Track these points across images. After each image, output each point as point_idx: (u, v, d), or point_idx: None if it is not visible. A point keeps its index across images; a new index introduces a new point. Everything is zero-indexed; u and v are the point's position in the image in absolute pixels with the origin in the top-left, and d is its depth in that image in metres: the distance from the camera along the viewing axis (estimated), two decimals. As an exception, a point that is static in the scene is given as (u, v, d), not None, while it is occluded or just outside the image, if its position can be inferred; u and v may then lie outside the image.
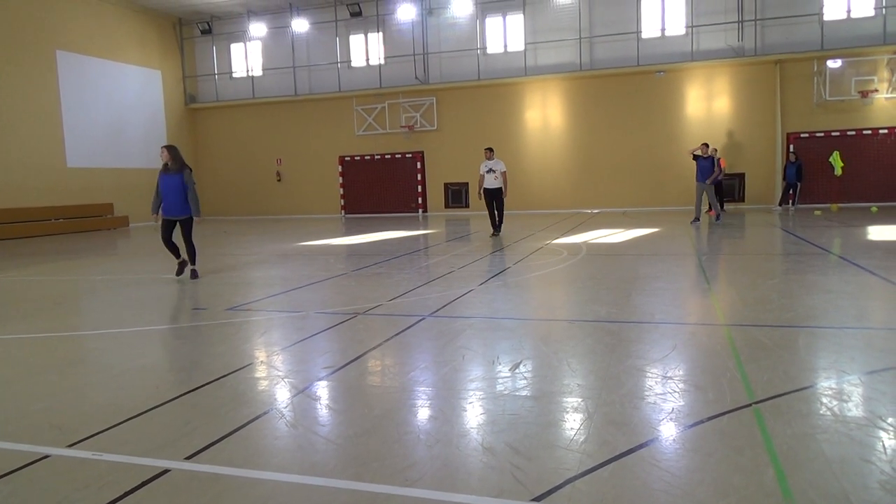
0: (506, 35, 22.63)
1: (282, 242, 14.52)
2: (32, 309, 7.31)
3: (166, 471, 2.86)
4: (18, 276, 10.52)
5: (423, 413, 3.59)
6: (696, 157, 15.21)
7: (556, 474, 2.72)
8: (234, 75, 26.50)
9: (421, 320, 5.78)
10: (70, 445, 3.18)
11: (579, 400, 3.65)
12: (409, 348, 5.02)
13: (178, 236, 9.01)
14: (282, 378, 4.31)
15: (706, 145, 15.40)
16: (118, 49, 23.66)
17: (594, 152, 22.00)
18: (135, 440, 3.26)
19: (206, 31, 25.74)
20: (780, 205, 19.67)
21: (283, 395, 3.96)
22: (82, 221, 21.22)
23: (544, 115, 22.63)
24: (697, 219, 15.04)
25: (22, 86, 20.06)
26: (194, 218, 8.92)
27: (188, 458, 2.98)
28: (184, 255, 9.11)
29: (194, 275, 9.01)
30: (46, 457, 3.07)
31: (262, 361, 4.73)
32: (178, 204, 8.82)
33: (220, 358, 4.87)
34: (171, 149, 8.81)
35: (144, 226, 23.27)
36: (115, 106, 23.44)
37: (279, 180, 26.12)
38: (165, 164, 8.78)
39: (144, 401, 3.85)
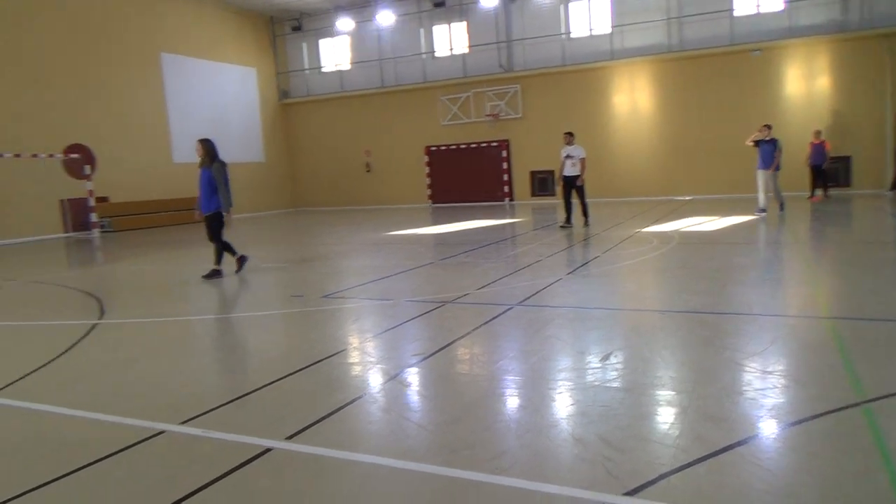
0: (591, 18, 22.09)
1: (371, 232, 14.88)
2: (150, 294, 7.85)
3: (269, 449, 3.02)
4: (134, 264, 11.31)
5: (512, 402, 3.61)
6: (757, 143, 13.83)
7: (650, 468, 2.68)
8: (324, 70, 27.26)
9: (508, 310, 5.79)
10: (182, 423, 3.41)
11: (673, 393, 3.56)
12: (497, 337, 5.05)
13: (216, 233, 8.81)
14: (374, 364, 4.44)
15: (768, 127, 13.89)
16: (217, 49, 24.87)
17: (685, 137, 21.15)
18: (240, 420, 3.46)
19: (297, 28, 26.61)
20: (891, 189, 18.26)
21: (375, 380, 4.09)
22: (185, 214, 22.50)
23: (632, 99, 21.96)
24: (764, 209, 13.53)
25: (131, 88, 21.46)
26: (223, 213, 8.65)
27: (289, 438, 3.14)
28: (238, 251, 8.93)
29: (215, 274, 8.55)
30: (162, 432, 3.31)
31: (355, 347, 4.89)
32: (204, 199, 8.63)
33: (316, 344, 5.07)
34: (204, 142, 8.58)
35: (241, 217, 24.42)
36: (214, 103, 24.66)
37: (368, 171, 26.71)
38: (202, 159, 8.61)
39: (247, 382, 4.07)
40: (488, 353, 4.67)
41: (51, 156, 18.54)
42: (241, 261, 8.91)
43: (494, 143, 24.20)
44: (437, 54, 24.84)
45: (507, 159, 24.07)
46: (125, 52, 21.34)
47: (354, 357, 4.65)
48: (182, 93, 23.33)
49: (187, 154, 23.24)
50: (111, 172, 20.48)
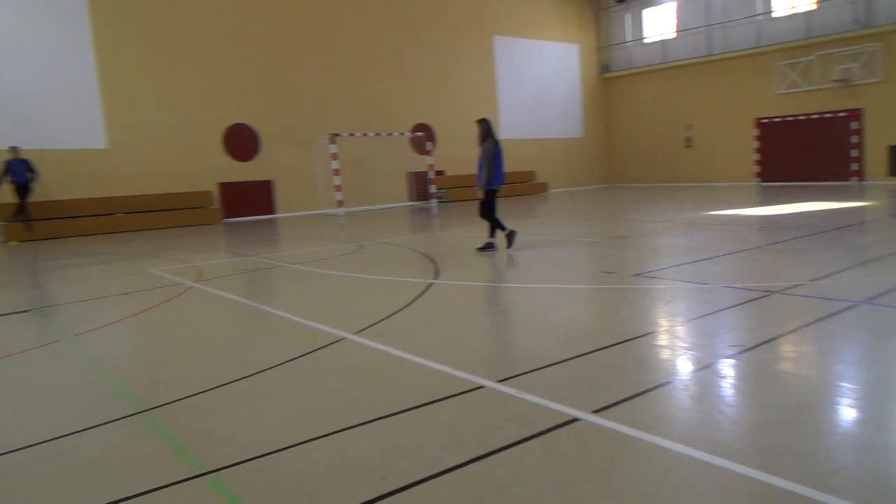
0: None
1: (689, 211, 14.12)
2: (475, 260, 8.66)
3: (575, 419, 3.14)
4: (467, 232, 12.53)
5: (848, 413, 3.16)
6: None
7: None
8: (646, 41, 26.38)
9: (852, 307, 5.03)
10: (499, 381, 3.73)
11: None
12: (835, 337, 4.44)
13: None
14: (686, 350, 4.27)
15: None
16: (542, 28, 25.81)
17: None
18: (550, 386, 3.64)
19: (621, 0, 26.14)
20: None
21: (686, 367, 3.94)
22: (514, 187, 24.03)
23: None
24: None
25: (466, 70, 23.52)
26: (493, 190, 9.07)
27: (595, 411, 3.22)
28: (508, 226, 9.41)
29: (488, 247, 9.17)
30: (481, 387, 3.67)
31: (665, 330, 4.76)
32: (479, 177, 9.17)
33: (625, 322, 5.06)
34: (480, 122, 9.07)
35: (564, 191, 25.21)
36: (537, 81, 25.71)
37: (688, 146, 25.30)
38: (479, 138, 9.11)
39: (558, 351, 4.26)
40: (821, 353, 4.14)
41: (401, 134, 21.39)
42: (511, 236, 9.27)
43: (842, 114, 20.91)
44: (774, 14, 22.18)
45: (859, 132, 20.61)
46: (463, 39, 23.45)
47: (664, 340, 4.53)
48: (509, 73, 24.81)
49: (513, 129, 24.79)
50: (447, 148, 22.87)
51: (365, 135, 20.06)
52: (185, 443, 3.14)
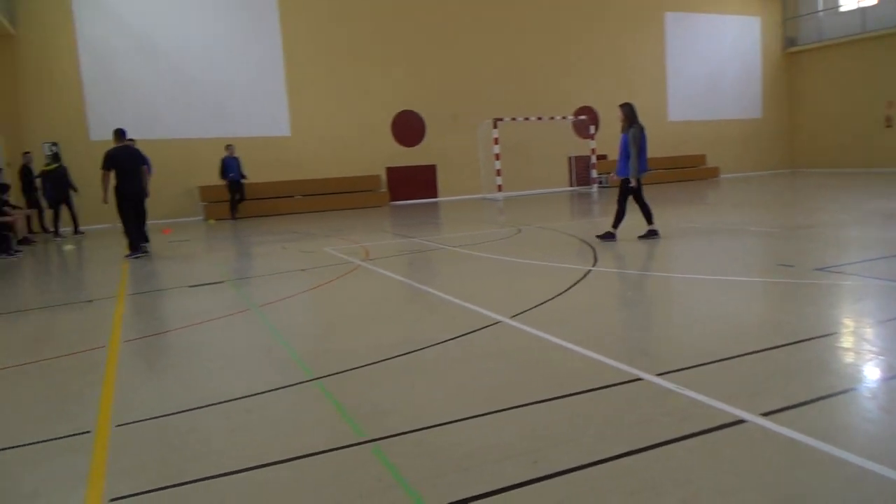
0: None
1: (886, 200, 12.56)
2: (636, 247, 8.37)
3: (741, 421, 2.95)
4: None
5: None
6: None
7: None
8: (841, 9, 23.63)
9: None
10: (658, 374, 3.59)
11: None
12: None
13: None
14: (875, 355, 3.84)
15: None
16: (719, 1, 24.02)
17: None
18: (714, 384, 3.45)
19: (815, -36, 23.61)
20: None
21: (874, 373, 3.54)
22: (680, 172, 22.82)
23: None
24: None
25: (633, 50, 22.57)
26: (636, 179, 8.67)
27: (765, 414, 3.00)
28: (655, 224, 9.02)
29: (608, 237, 8.85)
30: (639, 379, 3.56)
31: (851, 332, 4.31)
32: (621, 163, 8.76)
33: (804, 320, 4.65)
34: (623, 107, 8.68)
35: (738, 177, 23.57)
36: (711, 59, 24.06)
37: (888, 126, 22.42)
38: (623, 124, 8.77)
39: (725, 348, 4.01)
40: None
41: (564, 118, 21.07)
42: (651, 234, 8.94)
43: None
44: None
45: None
46: (630, 16, 22.50)
47: (848, 342, 4.10)
48: (680, 50, 23.47)
49: (684, 112, 23.48)
50: (611, 132, 22.14)
51: (527, 119, 20.00)
52: (352, 411, 3.38)
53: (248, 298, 6.58)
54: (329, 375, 3.98)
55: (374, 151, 19.76)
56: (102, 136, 16.43)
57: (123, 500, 2.58)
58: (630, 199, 8.87)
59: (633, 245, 8.63)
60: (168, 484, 2.70)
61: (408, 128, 20.11)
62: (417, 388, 3.67)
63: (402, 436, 3.03)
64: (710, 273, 6.53)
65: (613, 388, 3.48)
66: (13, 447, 3.19)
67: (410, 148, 20.21)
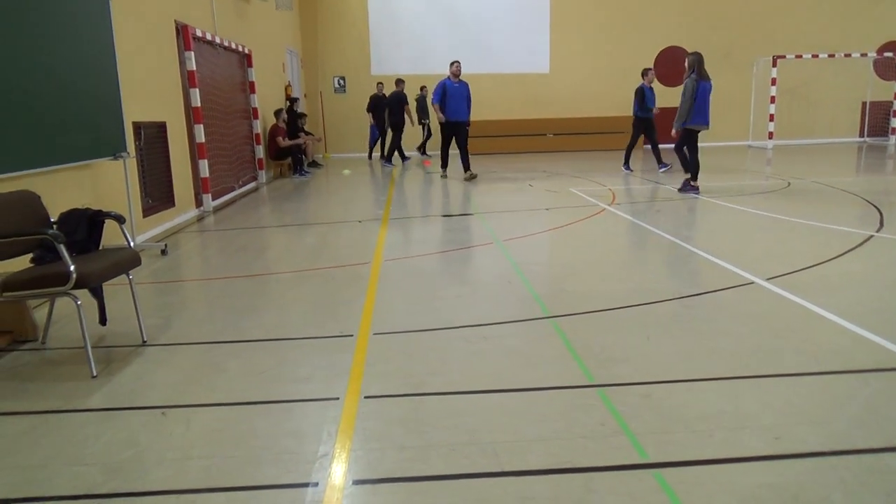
0: None
1: None
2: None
3: None
4: None
5: None
6: None
7: None
8: None
9: None
10: (948, 368, 3.05)
11: None
12: None
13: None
14: None
15: None
16: None
17: None
18: None
19: None
20: None
21: None
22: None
23: None
24: None
25: None
26: (688, 129, 9.08)
27: None
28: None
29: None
30: (921, 370, 3.06)
31: None
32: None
33: None
34: (690, 55, 8.85)
35: None
36: None
37: None
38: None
39: None
40: None
41: (863, 55, 17.99)
42: (687, 186, 9.28)
43: None
44: None
45: None
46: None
47: None
48: None
49: None
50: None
51: (815, 56, 17.43)
52: (583, 353, 3.42)
53: (494, 233, 6.87)
54: (564, 315, 4.04)
55: (632, 91, 18.84)
56: (381, 71, 18.01)
57: (375, 399, 2.96)
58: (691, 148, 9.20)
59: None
60: (410, 392, 3.03)
61: (672, 65, 18.76)
62: (652, 341, 3.58)
63: (631, 386, 3.00)
64: None
65: (884, 372, 3.04)
66: (295, 338, 3.81)
67: (672, 88, 18.89)
